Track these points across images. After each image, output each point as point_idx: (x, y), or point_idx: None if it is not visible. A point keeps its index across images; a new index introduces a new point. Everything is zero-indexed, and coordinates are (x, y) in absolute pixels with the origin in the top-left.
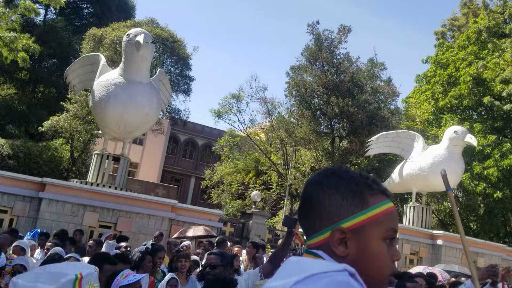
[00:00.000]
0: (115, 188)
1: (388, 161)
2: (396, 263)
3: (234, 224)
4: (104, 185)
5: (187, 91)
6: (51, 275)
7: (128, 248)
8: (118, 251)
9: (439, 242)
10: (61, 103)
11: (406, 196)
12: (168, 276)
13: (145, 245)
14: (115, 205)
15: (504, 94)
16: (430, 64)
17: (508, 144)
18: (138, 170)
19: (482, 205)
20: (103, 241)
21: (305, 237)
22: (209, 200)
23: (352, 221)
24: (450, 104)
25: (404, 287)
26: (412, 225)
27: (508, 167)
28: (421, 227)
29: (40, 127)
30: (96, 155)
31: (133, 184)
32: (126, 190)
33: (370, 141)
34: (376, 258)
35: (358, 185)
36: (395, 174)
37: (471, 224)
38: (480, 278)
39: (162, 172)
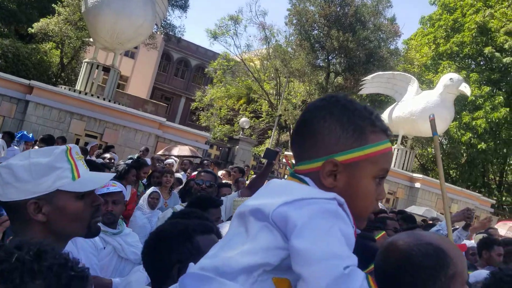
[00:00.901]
0: (104, 99)
1: (380, 102)
2: (378, 202)
3: (220, 148)
4: (92, 95)
5: (184, 7)
6: (43, 151)
7: (112, 160)
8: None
9: (417, 185)
10: (53, 5)
11: (392, 138)
12: (151, 189)
13: (130, 158)
14: (103, 116)
15: (506, 46)
16: (437, 7)
17: (501, 97)
18: (128, 84)
19: (464, 154)
20: (88, 149)
21: (293, 161)
22: (197, 122)
23: (347, 155)
24: (450, 51)
25: (384, 223)
26: (394, 167)
27: (497, 120)
28: (402, 169)
29: (30, 28)
30: (86, 64)
31: (122, 97)
32: (114, 102)
33: (365, 79)
34: (363, 195)
35: (361, 119)
36: (384, 116)
37: (451, 171)
38: (455, 220)
39: (153, 89)
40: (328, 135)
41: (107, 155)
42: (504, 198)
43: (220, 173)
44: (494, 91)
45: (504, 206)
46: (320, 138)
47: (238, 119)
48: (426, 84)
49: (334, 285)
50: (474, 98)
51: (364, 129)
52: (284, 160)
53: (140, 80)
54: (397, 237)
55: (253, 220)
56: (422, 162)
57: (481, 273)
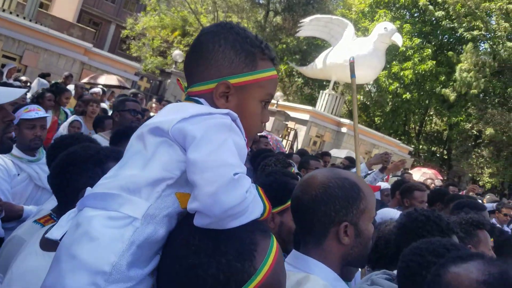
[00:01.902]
0: (24, 18)
1: (316, 46)
2: (264, 125)
3: (151, 81)
4: (11, 12)
5: None
6: None
7: (28, 83)
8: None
9: (344, 130)
10: None
11: (324, 83)
12: (72, 118)
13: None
14: (22, 37)
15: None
16: None
17: (429, 50)
18: (52, 4)
19: (390, 103)
20: (3, 72)
21: (186, 84)
22: (127, 52)
23: (239, 78)
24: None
25: (307, 163)
26: (324, 111)
27: (423, 72)
28: (331, 114)
29: None
30: None
31: (45, 18)
32: (36, 23)
33: (303, 21)
34: (250, 116)
35: (252, 47)
36: (319, 60)
37: (376, 118)
38: (373, 163)
39: (80, 12)
40: (222, 59)
41: (23, 78)
42: (421, 146)
43: (154, 105)
44: (424, 43)
45: (421, 154)
46: (214, 61)
47: (171, 51)
48: (362, 31)
49: (224, 188)
50: (404, 49)
51: (254, 56)
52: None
53: (66, 0)
54: (317, 171)
55: (152, 138)
56: (350, 109)
57: (388, 212)
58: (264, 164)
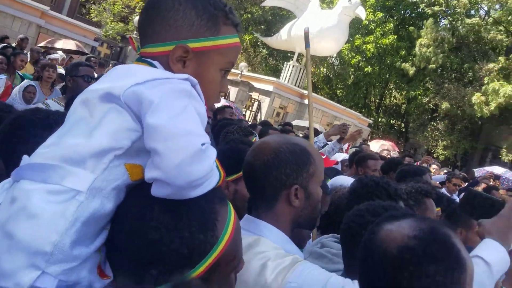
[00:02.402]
0: None
1: (281, 17)
2: (227, 94)
3: (112, 47)
4: None
5: None
6: None
7: None
8: None
9: (307, 101)
10: None
11: (289, 54)
12: (25, 82)
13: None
14: None
15: None
16: None
17: (391, 24)
18: None
19: (352, 76)
20: None
21: (139, 44)
22: (87, 16)
23: (199, 43)
24: None
25: (267, 134)
26: (287, 83)
27: (384, 46)
28: (295, 85)
29: None
30: None
31: None
32: None
33: None
34: (209, 84)
35: (216, 9)
36: (284, 31)
37: (338, 91)
38: (331, 134)
39: None
40: (181, 20)
41: None
42: (380, 119)
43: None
44: (386, 18)
45: (380, 126)
46: (173, 21)
47: (133, 17)
48: (327, 3)
49: (190, 159)
50: (367, 23)
51: (217, 20)
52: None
53: None
54: (269, 137)
55: (99, 104)
56: (313, 81)
57: (341, 179)
58: (226, 131)
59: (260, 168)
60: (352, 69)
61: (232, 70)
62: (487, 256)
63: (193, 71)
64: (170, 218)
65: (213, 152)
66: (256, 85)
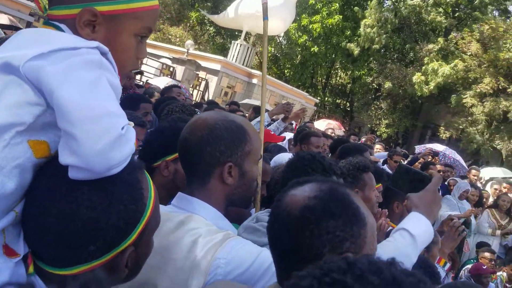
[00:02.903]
0: None
1: None
2: (139, 61)
3: None
4: None
5: None
6: None
7: None
8: None
9: (255, 81)
10: None
11: (236, 33)
12: None
13: None
14: None
15: None
16: None
17: (337, 4)
18: None
19: (299, 56)
20: None
21: (46, 6)
22: None
23: (109, 6)
24: None
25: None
26: (235, 62)
27: (330, 26)
28: (243, 64)
29: None
30: None
31: None
32: None
33: None
34: (123, 51)
35: None
36: (231, 9)
37: (286, 71)
38: (275, 113)
39: None
40: None
41: None
42: (326, 98)
43: None
44: None
45: (326, 106)
46: None
47: None
48: None
49: (110, 146)
50: (314, 2)
51: None
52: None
53: None
54: (206, 113)
55: None
56: (262, 60)
57: (282, 156)
58: (168, 109)
59: (194, 144)
60: (299, 49)
61: (178, 48)
62: (412, 229)
63: (104, 37)
64: (103, 196)
65: (132, 134)
66: (203, 64)
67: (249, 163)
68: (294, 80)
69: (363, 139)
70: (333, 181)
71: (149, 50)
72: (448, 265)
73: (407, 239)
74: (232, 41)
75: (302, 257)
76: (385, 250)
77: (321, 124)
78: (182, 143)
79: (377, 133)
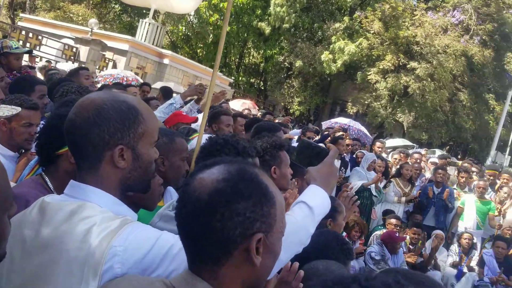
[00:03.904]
0: None
1: None
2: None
3: None
4: None
5: None
6: None
7: None
8: None
9: (166, 61)
10: None
11: (144, 11)
12: None
13: None
14: None
15: None
16: None
17: None
18: None
19: (211, 35)
20: None
21: None
22: None
23: None
24: None
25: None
26: (144, 41)
27: (241, 5)
28: (152, 44)
29: None
30: None
31: None
32: None
33: None
34: None
35: None
36: None
37: (198, 50)
38: (188, 95)
39: None
40: None
41: None
42: (240, 78)
43: None
44: None
45: (240, 85)
46: None
47: None
48: None
49: None
50: None
51: None
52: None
53: None
54: (94, 94)
55: None
56: (172, 39)
57: (195, 140)
58: (63, 91)
59: (81, 125)
60: (211, 28)
61: (81, 28)
62: (310, 201)
63: None
64: None
65: None
66: (110, 43)
67: (144, 145)
68: (207, 60)
69: (277, 120)
70: (241, 162)
71: (49, 30)
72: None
73: (305, 211)
74: (140, 20)
75: (213, 241)
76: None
77: (236, 104)
78: (68, 125)
79: (291, 110)
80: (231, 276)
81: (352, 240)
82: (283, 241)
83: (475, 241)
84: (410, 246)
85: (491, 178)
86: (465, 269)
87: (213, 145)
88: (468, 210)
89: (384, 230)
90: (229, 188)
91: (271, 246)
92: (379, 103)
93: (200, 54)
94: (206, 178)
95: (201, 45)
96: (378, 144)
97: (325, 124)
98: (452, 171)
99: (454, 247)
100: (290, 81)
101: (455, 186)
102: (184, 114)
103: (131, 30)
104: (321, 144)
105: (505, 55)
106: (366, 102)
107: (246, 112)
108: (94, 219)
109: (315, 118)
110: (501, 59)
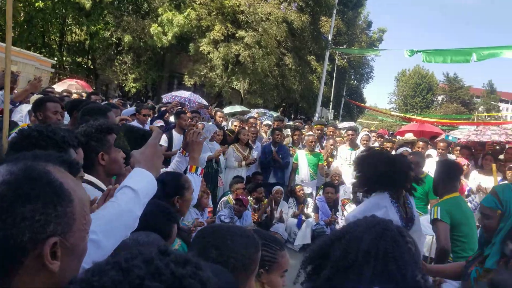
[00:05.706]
0: None
1: None
2: None
3: None
4: None
5: None
6: None
7: None
8: None
9: None
10: None
11: None
12: None
13: None
14: None
15: None
16: None
17: None
18: None
19: (22, 13)
20: None
21: None
22: None
23: None
24: None
25: None
26: None
27: None
28: None
29: None
30: None
31: None
32: None
33: None
34: None
35: None
36: None
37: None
38: (31, 92)
39: None
40: None
41: None
42: (65, 58)
43: None
44: None
45: (66, 66)
46: None
47: None
48: None
49: None
50: None
51: None
52: None
53: None
54: None
55: None
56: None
57: None
58: None
59: None
60: (21, 5)
61: None
62: (134, 185)
63: None
64: None
65: None
66: None
67: None
68: (22, 41)
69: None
70: (24, 162)
71: None
72: (200, 169)
73: (129, 194)
74: None
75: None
76: (108, 211)
77: (62, 86)
78: None
79: (126, 88)
80: (27, 287)
81: (202, 208)
82: (106, 227)
83: (310, 191)
84: (255, 206)
85: (319, 132)
86: (304, 217)
87: (24, 139)
88: (302, 163)
89: (231, 196)
90: (10, 191)
91: (72, 248)
92: (214, 73)
93: (13, 35)
94: None
95: (13, 25)
96: (218, 113)
97: (165, 98)
98: (287, 132)
99: (292, 200)
100: (121, 58)
101: (290, 144)
102: None
103: None
104: (159, 121)
105: (319, 19)
106: (202, 73)
107: (65, 94)
108: None
109: (153, 94)
110: (316, 23)
